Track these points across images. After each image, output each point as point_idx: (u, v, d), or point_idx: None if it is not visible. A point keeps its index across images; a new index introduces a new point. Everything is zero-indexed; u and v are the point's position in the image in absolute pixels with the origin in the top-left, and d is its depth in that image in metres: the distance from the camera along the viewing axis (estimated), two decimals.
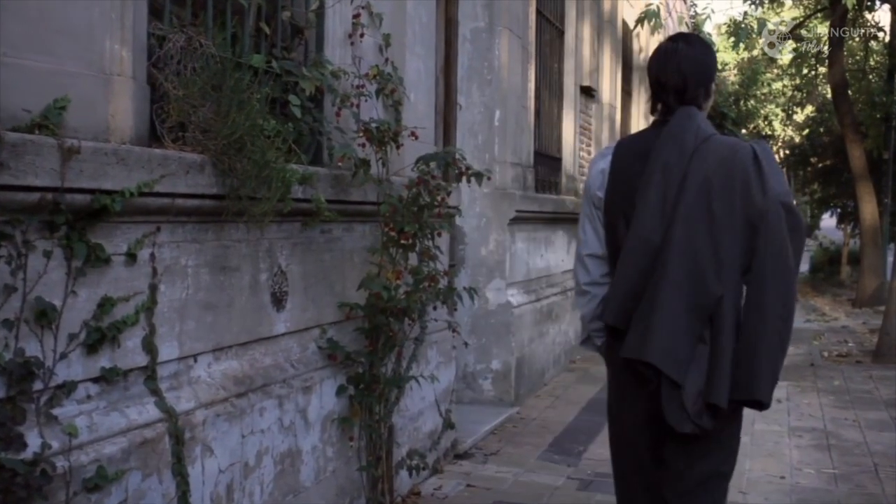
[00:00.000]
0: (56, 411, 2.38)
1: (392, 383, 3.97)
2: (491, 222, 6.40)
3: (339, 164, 3.63)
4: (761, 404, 2.43)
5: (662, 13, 8.67)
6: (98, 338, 2.50)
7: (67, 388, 2.42)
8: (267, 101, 3.43)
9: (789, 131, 25.58)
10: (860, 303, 14.27)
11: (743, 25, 11.00)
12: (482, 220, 6.40)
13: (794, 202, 2.60)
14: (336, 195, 3.70)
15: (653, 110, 2.66)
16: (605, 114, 10.30)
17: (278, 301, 3.42)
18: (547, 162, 8.08)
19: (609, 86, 10.47)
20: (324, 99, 3.86)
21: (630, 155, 2.62)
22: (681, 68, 2.56)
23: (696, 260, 2.39)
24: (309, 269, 3.64)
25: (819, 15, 16.75)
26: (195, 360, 2.97)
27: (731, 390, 2.41)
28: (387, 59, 4.33)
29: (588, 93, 9.50)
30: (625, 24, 11.67)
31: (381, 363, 3.94)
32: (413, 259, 4.13)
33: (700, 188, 2.41)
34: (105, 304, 2.53)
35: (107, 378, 2.56)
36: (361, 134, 3.79)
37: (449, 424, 4.97)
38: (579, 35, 9.02)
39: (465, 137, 6.34)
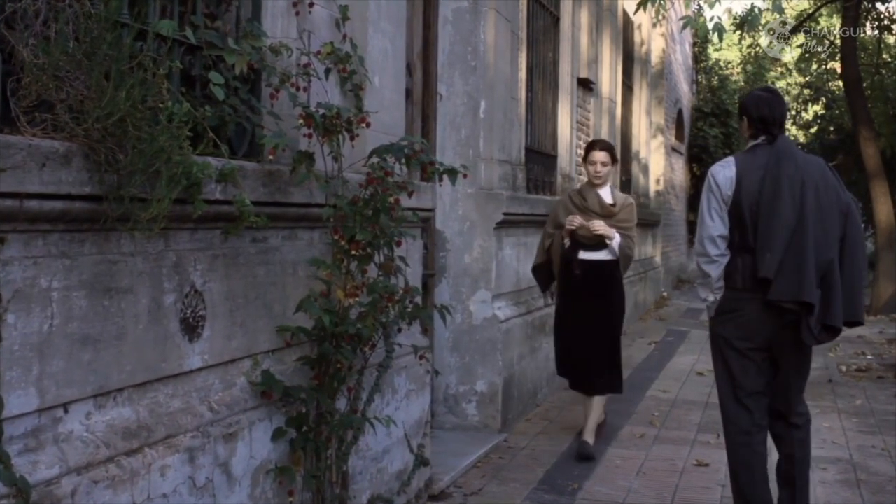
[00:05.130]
0: None
1: (343, 425, 3.28)
2: (475, 226, 5.70)
3: (271, 157, 2.94)
4: (860, 323, 3.79)
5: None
6: None
7: None
8: (179, 78, 2.78)
9: (794, 130, 24.87)
10: (875, 310, 13.16)
11: (750, 18, 10.28)
12: (465, 223, 5.70)
13: None
14: (271, 196, 3.02)
15: (754, 136, 3.84)
16: (604, 108, 9.60)
17: (191, 328, 2.73)
18: (540, 160, 7.38)
19: (609, 78, 9.77)
20: (259, 80, 3.19)
21: (750, 166, 3.74)
22: (782, 110, 3.85)
23: (818, 236, 3.61)
24: (236, 286, 2.96)
25: (825, 10, 16.03)
26: (66, 411, 2.28)
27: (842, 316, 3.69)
28: (345, 36, 3.65)
29: (586, 85, 8.80)
30: (625, 14, 11.00)
31: (331, 399, 3.26)
32: (375, 272, 3.44)
33: (815, 190, 3.66)
34: None
35: None
36: (303, 121, 3.11)
37: (422, 462, 4.28)
38: (576, 23, 8.33)
39: (445, 131, 5.64)
